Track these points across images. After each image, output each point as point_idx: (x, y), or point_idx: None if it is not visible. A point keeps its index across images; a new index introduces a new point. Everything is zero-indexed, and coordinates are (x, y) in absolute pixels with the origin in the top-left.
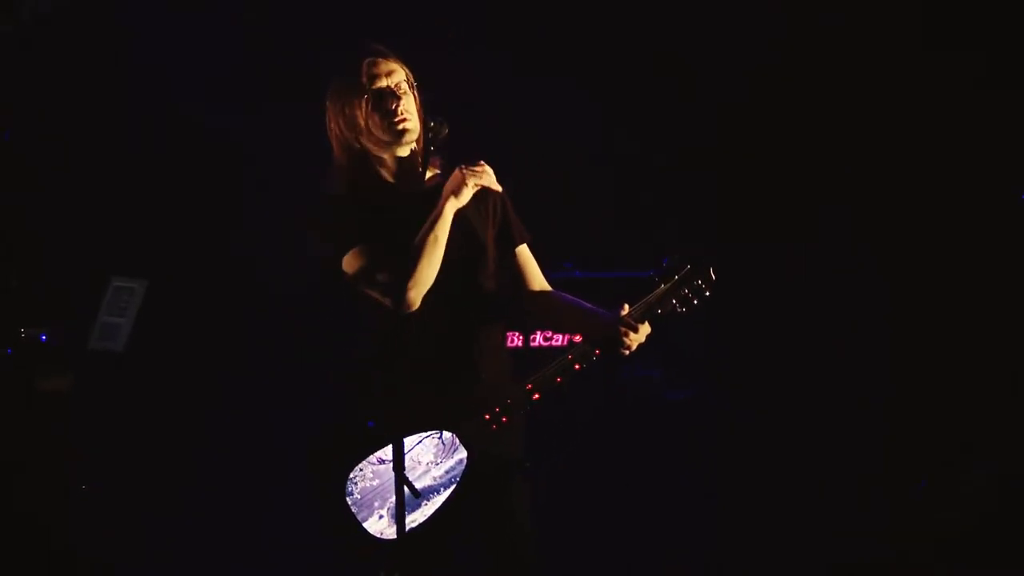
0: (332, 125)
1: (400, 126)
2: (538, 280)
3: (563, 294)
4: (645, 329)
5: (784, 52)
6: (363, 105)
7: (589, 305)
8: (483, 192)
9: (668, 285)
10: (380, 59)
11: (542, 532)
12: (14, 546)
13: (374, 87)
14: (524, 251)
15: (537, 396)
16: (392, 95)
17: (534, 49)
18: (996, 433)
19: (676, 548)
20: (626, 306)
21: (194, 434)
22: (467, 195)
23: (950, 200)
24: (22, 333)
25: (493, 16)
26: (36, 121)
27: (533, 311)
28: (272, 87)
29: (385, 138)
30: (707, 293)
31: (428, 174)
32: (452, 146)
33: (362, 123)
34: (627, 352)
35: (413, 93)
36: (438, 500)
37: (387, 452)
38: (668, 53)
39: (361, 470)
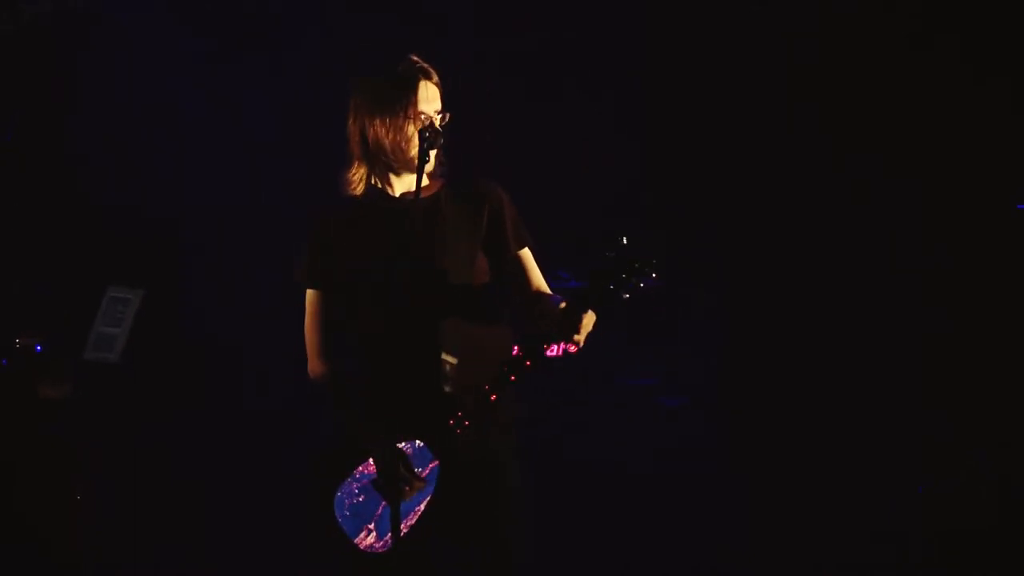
0: (361, 125)
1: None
2: (535, 284)
3: (550, 294)
4: (590, 317)
5: (790, 52)
6: (404, 119)
7: (558, 297)
8: (477, 199)
9: (600, 272)
10: (430, 82)
11: (538, 537)
12: (9, 552)
13: (421, 109)
14: (523, 255)
15: (495, 397)
16: (432, 123)
17: (531, 55)
18: (994, 435)
19: (673, 553)
20: (562, 302)
21: (189, 443)
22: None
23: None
24: (17, 343)
25: (487, 19)
26: (36, 124)
27: (528, 315)
28: (270, 90)
29: (408, 156)
30: (652, 274)
31: (425, 182)
32: (449, 152)
33: (393, 135)
34: (575, 343)
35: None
36: (419, 510)
37: (369, 467)
38: (666, 57)
39: (348, 485)
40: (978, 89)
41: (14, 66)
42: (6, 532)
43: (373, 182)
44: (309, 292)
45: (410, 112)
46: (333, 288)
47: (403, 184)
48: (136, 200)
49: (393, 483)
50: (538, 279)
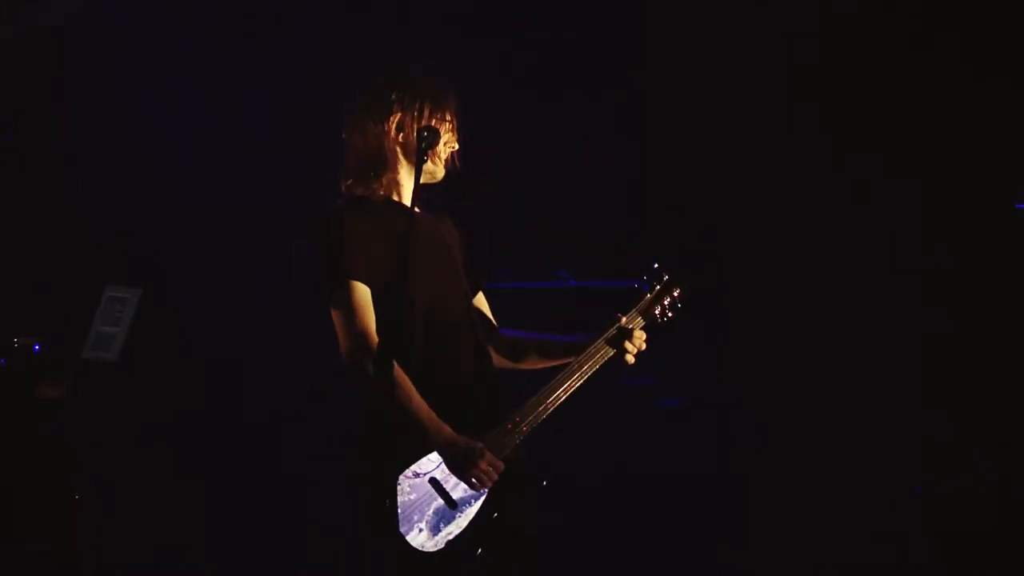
0: (405, 125)
1: (444, 159)
2: (491, 322)
3: (513, 331)
4: (642, 335)
5: (790, 52)
6: (444, 122)
7: (546, 334)
8: (453, 231)
9: (652, 294)
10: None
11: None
12: (10, 552)
13: (453, 120)
14: (481, 294)
15: (552, 406)
16: (455, 137)
17: (531, 55)
18: (994, 435)
19: (673, 553)
20: (622, 316)
21: (189, 443)
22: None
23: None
24: (15, 343)
25: (487, 19)
26: (35, 126)
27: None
28: (270, 90)
29: (442, 161)
30: (679, 305)
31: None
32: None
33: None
34: (632, 358)
35: None
36: (472, 511)
37: (421, 465)
38: (666, 56)
39: (399, 484)
40: (978, 89)
41: (14, 66)
42: (6, 532)
43: (389, 190)
44: (357, 284)
45: (449, 117)
46: (380, 286)
47: (407, 194)
48: (136, 200)
49: (470, 474)
50: (491, 316)
